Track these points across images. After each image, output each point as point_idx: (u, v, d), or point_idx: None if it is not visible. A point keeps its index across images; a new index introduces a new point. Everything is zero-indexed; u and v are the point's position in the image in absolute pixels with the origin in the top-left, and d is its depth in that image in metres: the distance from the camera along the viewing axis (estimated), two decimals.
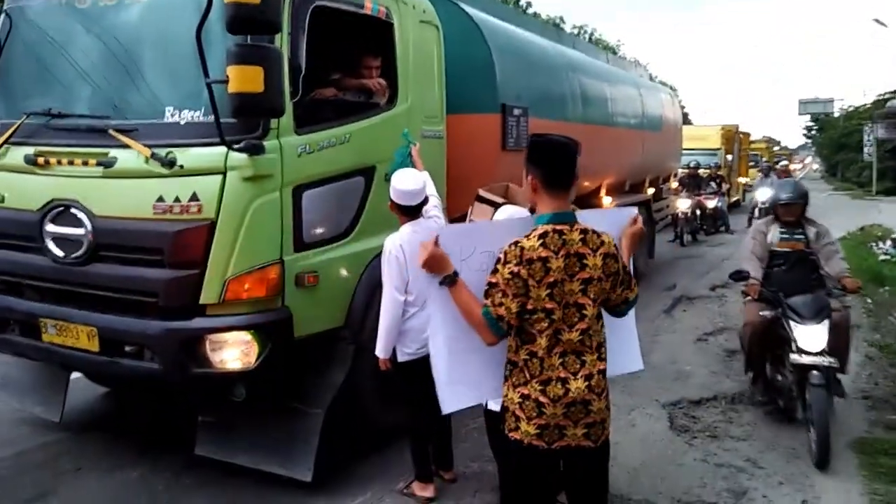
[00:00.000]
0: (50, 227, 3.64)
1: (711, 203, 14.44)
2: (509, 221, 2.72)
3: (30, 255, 3.77)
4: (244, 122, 3.28)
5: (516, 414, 2.27)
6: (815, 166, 56.91)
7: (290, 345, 3.51)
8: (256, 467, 3.68)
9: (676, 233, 13.67)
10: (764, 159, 24.01)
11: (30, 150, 3.74)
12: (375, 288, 3.93)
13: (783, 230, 4.79)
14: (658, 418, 4.78)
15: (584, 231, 2.26)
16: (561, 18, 30.71)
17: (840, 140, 38.40)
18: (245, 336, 3.38)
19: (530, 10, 28.66)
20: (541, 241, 2.22)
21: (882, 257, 12.38)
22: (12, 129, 3.81)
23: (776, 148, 56.27)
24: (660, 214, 10.92)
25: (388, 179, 3.69)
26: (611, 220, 2.58)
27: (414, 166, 3.94)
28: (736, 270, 4.56)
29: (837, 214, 17.85)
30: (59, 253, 3.62)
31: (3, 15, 4.15)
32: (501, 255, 2.24)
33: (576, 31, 34.16)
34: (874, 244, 13.62)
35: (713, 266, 11.22)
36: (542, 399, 2.23)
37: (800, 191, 4.90)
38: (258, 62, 3.03)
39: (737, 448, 4.32)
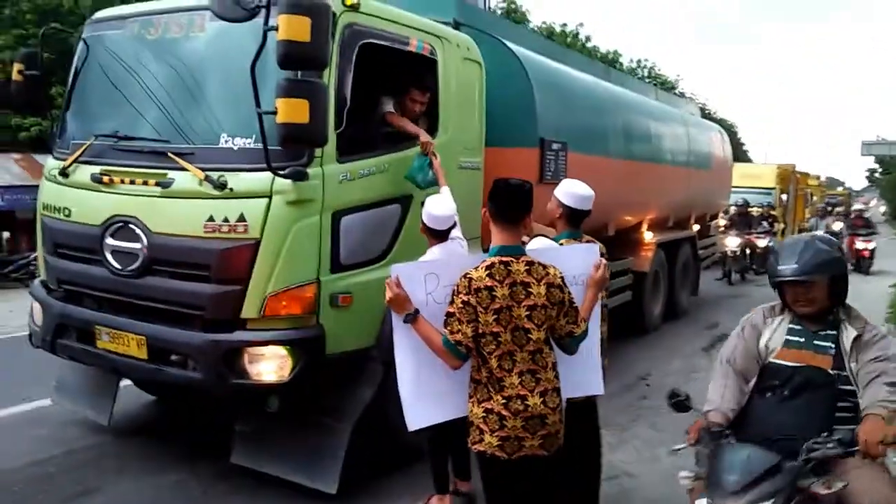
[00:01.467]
0: (109, 241, 3.93)
1: (762, 242, 14.16)
2: (464, 258, 2.89)
3: (90, 266, 4.07)
4: (290, 151, 3.51)
5: (480, 427, 2.54)
6: (882, 208, 54.95)
7: (322, 361, 3.69)
8: (286, 478, 3.85)
9: (724, 271, 13.45)
10: (815, 198, 23.37)
11: (96, 169, 4.06)
12: None
13: (794, 327, 2.71)
14: (686, 455, 4.74)
15: (530, 263, 2.55)
16: (616, 52, 30.81)
17: None
18: (281, 350, 3.58)
19: (589, 44, 28.89)
20: (487, 271, 2.51)
21: None
22: (82, 149, 4.15)
23: (839, 188, 54.60)
24: (706, 252, 10.81)
25: (407, 177, 4.04)
26: (580, 259, 2.88)
27: (436, 176, 4.16)
28: (672, 393, 2.82)
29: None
30: (117, 265, 3.91)
31: (81, 42, 4.53)
32: (455, 287, 2.56)
33: (634, 65, 34.16)
34: None
35: (759, 305, 10.99)
36: (504, 412, 2.49)
37: (821, 257, 2.58)
38: (305, 96, 3.26)
39: None
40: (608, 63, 28.11)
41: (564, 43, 27.17)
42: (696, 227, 9.92)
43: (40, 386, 5.18)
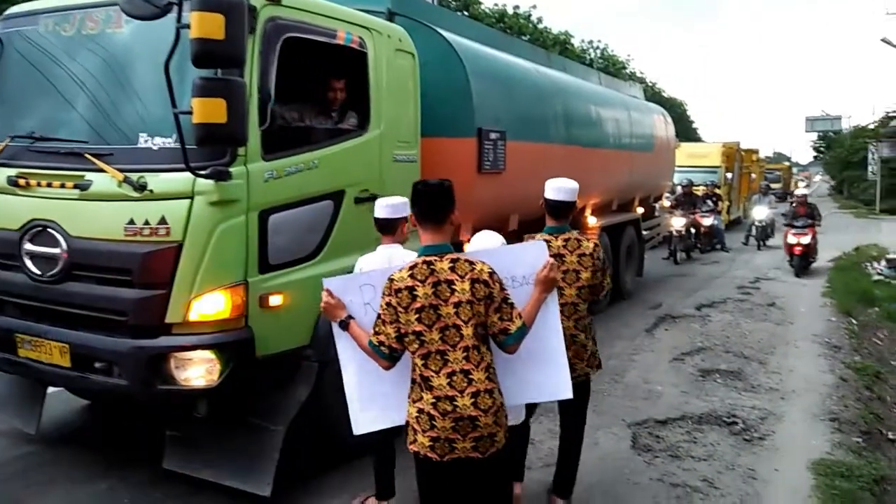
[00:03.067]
0: (28, 246, 3.80)
1: (707, 221, 14.50)
2: (387, 269, 2.82)
3: (9, 272, 3.93)
4: (211, 150, 3.42)
5: (414, 427, 2.58)
6: (826, 184, 56.71)
7: (252, 363, 3.64)
8: (219, 482, 3.80)
9: (671, 251, 13.73)
10: (754, 175, 23.99)
11: (12, 172, 3.91)
12: None
13: None
14: (622, 438, 4.87)
15: (455, 260, 2.57)
16: (567, 33, 30.92)
17: (846, 158, 38.33)
18: (209, 355, 3.52)
19: (541, 26, 28.92)
20: (410, 272, 2.55)
21: (875, 277, 12.41)
22: None
23: (780, 164, 56.08)
24: (651, 233, 11.00)
25: None
26: (529, 257, 2.85)
27: None
28: None
29: (839, 233, 17.89)
30: (36, 271, 3.77)
31: None
32: (381, 290, 2.61)
33: (585, 46, 34.34)
34: (868, 264, 13.66)
35: (703, 285, 11.30)
36: (433, 412, 2.52)
37: None
38: (222, 95, 3.19)
39: (696, 468, 4.40)
40: (560, 45, 28.23)
41: (516, 25, 27.13)
42: (640, 210, 10.07)
43: None
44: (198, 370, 3.53)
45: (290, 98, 4.27)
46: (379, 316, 2.59)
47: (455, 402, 2.49)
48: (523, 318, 2.63)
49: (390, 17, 5.19)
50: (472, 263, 2.57)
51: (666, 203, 13.71)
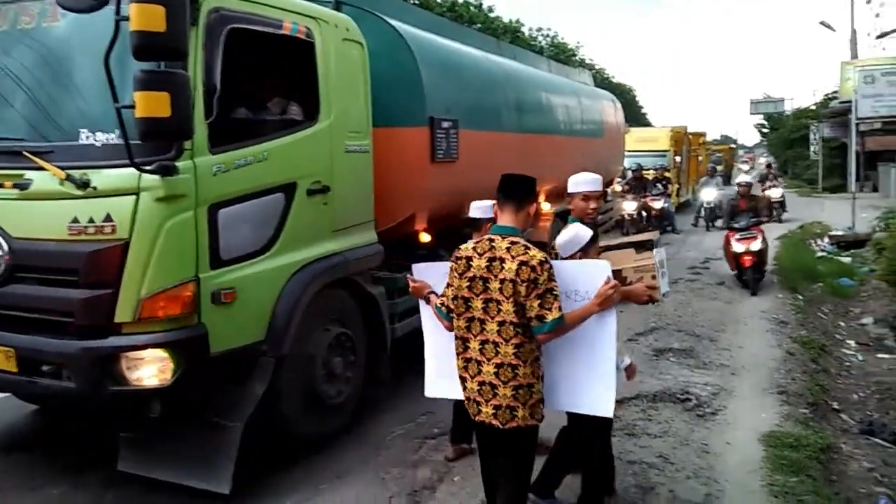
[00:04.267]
0: None
1: (657, 204, 14.79)
2: None
3: None
4: (155, 145, 3.35)
5: (461, 376, 2.89)
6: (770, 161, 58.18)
7: (206, 361, 3.59)
8: (177, 482, 3.76)
9: (622, 234, 13.98)
10: (701, 157, 24.60)
11: None
12: (297, 300, 4.06)
13: None
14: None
15: (514, 242, 2.76)
16: (518, 21, 31.01)
17: (790, 138, 39.43)
18: (161, 353, 3.46)
19: (492, 14, 28.94)
20: (474, 245, 2.84)
21: (819, 254, 12.86)
22: None
23: (733, 146, 57.36)
24: (604, 217, 11.19)
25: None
26: (590, 274, 2.92)
27: None
28: None
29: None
30: None
31: None
32: None
33: (535, 34, 34.49)
34: (812, 241, 14.14)
35: None
36: (464, 375, 2.85)
37: None
38: (165, 88, 3.12)
39: (651, 445, 4.51)
40: (510, 33, 28.30)
41: (467, 13, 27.09)
42: None
43: None
44: (150, 370, 3.46)
45: (237, 90, 4.20)
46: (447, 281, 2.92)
47: (481, 368, 2.76)
48: (566, 316, 2.72)
49: (337, 6, 5.15)
50: (527, 249, 2.74)
51: (617, 188, 13.95)
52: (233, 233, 3.75)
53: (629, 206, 13.91)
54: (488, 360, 2.74)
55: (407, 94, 5.38)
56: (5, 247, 3.57)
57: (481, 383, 2.76)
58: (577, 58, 36.33)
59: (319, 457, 4.23)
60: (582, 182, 3.57)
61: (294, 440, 4.22)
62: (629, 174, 14.71)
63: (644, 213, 14.67)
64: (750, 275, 9.25)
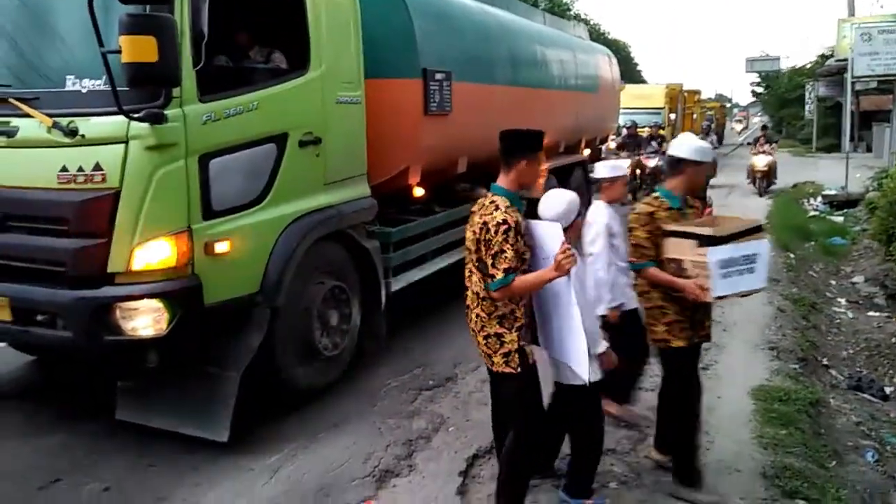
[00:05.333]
0: None
1: (651, 162, 14.67)
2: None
3: None
4: (143, 92, 3.29)
5: None
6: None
7: (201, 311, 3.59)
8: (174, 430, 3.79)
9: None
10: (695, 115, 24.45)
11: None
12: (291, 253, 4.04)
13: None
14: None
15: (492, 202, 2.85)
16: None
17: (785, 97, 39.16)
18: (155, 304, 3.45)
19: None
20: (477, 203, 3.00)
21: (812, 213, 12.92)
22: None
23: (727, 105, 56.95)
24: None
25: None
26: (549, 236, 2.88)
27: None
28: None
29: (778, 170, 18.42)
30: None
31: None
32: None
33: None
34: (806, 200, 14.18)
35: None
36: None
37: None
38: (151, 32, 3.05)
39: (642, 399, 4.56)
40: None
41: None
42: (587, 152, 10.15)
43: None
44: (145, 320, 3.46)
45: (226, 37, 4.11)
46: None
47: (470, 315, 2.96)
48: (518, 279, 2.75)
49: None
50: (496, 209, 2.79)
51: (612, 145, 13.85)
52: (224, 183, 3.71)
53: (623, 164, 13.82)
54: (471, 308, 2.93)
55: (399, 45, 5.27)
56: None
57: (471, 328, 2.97)
58: (571, 12, 35.75)
59: (316, 407, 4.26)
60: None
61: (290, 391, 4.25)
62: (623, 131, 14.59)
63: (637, 172, 14.60)
64: None
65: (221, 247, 3.66)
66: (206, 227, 3.60)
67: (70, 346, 3.57)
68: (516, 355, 2.86)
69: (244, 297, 3.86)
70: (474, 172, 6.35)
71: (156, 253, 3.43)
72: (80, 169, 3.37)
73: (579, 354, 2.92)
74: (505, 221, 2.74)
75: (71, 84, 3.45)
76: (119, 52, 3.04)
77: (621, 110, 12.23)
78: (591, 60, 10.05)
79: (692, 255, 3.12)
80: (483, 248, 2.79)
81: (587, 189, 10.29)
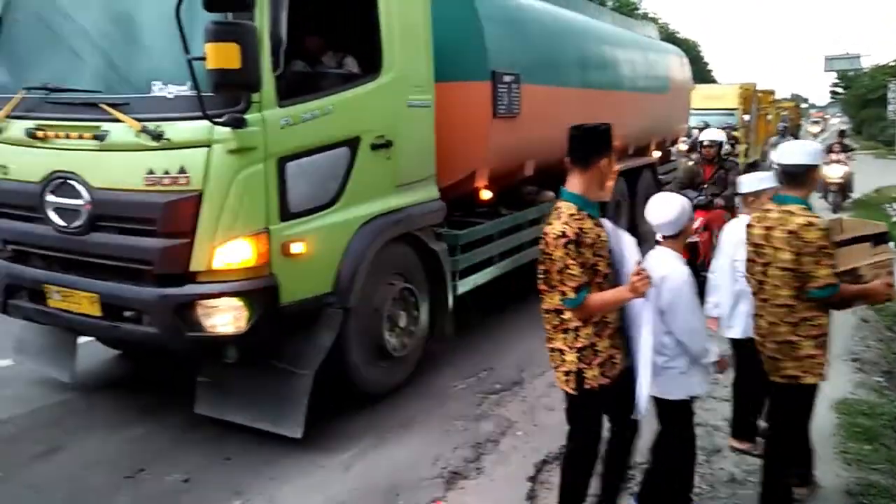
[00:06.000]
0: (51, 198, 3.83)
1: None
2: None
3: (34, 224, 3.97)
4: (226, 97, 3.40)
5: None
6: (845, 125, 55.34)
7: (277, 310, 3.69)
8: (250, 425, 3.91)
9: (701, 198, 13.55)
10: (770, 116, 23.51)
11: (30, 124, 3.90)
12: (363, 254, 4.11)
13: None
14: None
15: (556, 209, 2.67)
16: None
17: (865, 96, 37.46)
18: (235, 302, 3.57)
19: None
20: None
21: (895, 219, 12.26)
22: (12, 103, 3.97)
23: (804, 106, 54.74)
24: (668, 177, 10.88)
25: None
26: (630, 248, 2.77)
27: None
28: None
29: (858, 174, 17.56)
30: (61, 223, 3.81)
31: None
32: None
33: None
34: (888, 206, 13.47)
35: None
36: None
37: None
38: (234, 39, 3.15)
39: (716, 408, 4.43)
40: None
41: None
42: (656, 154, 9.94)
43: (0, 347, 5.12)
44: (225, 317, 3.58)
45: (302, 43, 4.21)
46: None
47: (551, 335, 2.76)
48: (592, 297, 2.57)
49: None
50: (557, 218, 2.60)
51: (682, 147, 13.50)
52: (300, 186, 3.80)
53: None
54: (554, 327, 2.72)
55: (469, 48, 5.29)
56: (87, 196, 3.71)
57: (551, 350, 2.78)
58: (638, 11, 35.15)
59: (385, 407, 4.33)
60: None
61: (360, 390, 4.32)
62: (695, 132, 14.19)
63: None
64: None
65: (297, 247, 3.75)
66: (283, 228, 3.70)
67: (155, 341, 3.73)
68: (574, 377, 2.71)
69: (318, 296, 3.95)
70: (541, 176, 6.32)
71: (236, 253, 3.55)
72: (166, 172, 3.51)
73: (641, 385, 2.72)
74: (564, 234, 2.54)
75: (157, 90, 3.59)
76: (204, 58, 3.16)
77: (692, 111, 11.91)
78: (662, 60, 9.85)
79: (869, 258, 2.95)
80: (548, 262, 2.62)
81: (656, 192, 10.07)
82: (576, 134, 2.67)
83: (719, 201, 6.98)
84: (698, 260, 6.50)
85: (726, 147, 14.59)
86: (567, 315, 2.65)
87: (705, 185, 7.18)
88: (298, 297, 3.81)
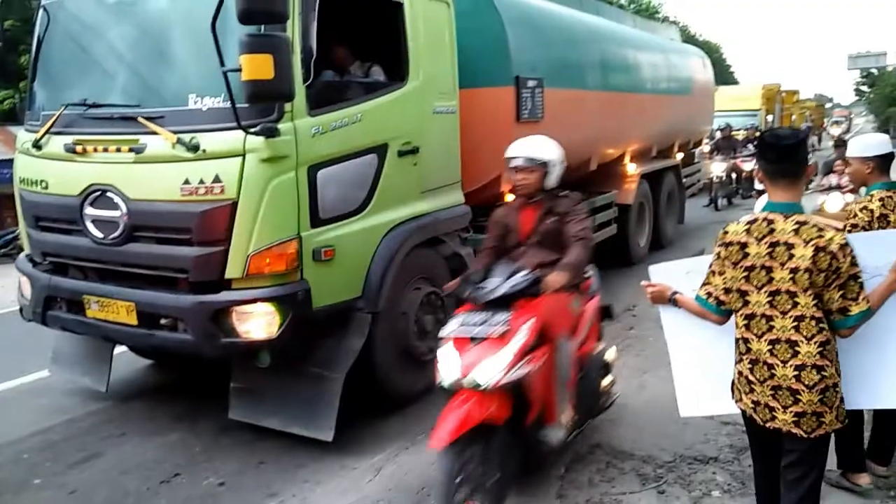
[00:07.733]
0: (89, 211, 3.94)
1: (748, 166, 14.11)
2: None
3: (72, 236, 4.09)
4: (259, 107, 3.49)
5: (737, 387, 2.51)
6: (869, 124, 54.47)
7: (309, 315, 3.76)
8: (283, 429, 3.98)
9: (711, 197, 13.51)
10: (794, 116, 23.27)
11: (69, 139, 4.03)
12: (391, 259, 4.18)
13: None
14: (668, 380, 4.86)
15: (801, 223, 2.33)
16: None
17: (892, 94, 36.86)
18: (268, 307, 3.64)
19: None
20: (746, 227, 2.41)
21: None
22: (52, 119, 4.10)
23: (828, 105, 54.01)
24: (691, 179, 10.84)
25: None
26: (884, 245, 2.59)
27: None
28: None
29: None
30: (99, 234, 3.92)
31: (40, 10, 4.42)
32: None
33: None
34: None
35: None
36: (751, 377, 2.43)
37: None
38: (268, 50, 3.23)
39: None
40: None
41: None
42: (679, 156, 9.91)
43: (38, 358, 5.26)
44: (258, 323, 3.65)
45: (331, 53, 4.30)
46: (710, 266, 2.54)
47: (774, 371, 2.36)
48: (870, 302, 2.37)
49: None
50: (821, 231, 2.32)
51: (705, 149, 13.44)
52: (330, 193, 3.88)
53: (717, 168, 13.36)
54: (784, 362, 2.34)
55: (493, 54, 5.35)
56: (124, 208, 3.81)
57: (776, 388, 2.36)
58: (659, 14, 35.03)
59: (414, 409, 4.36)
60: (868, 146, 3.25)
61: (389, 393, 4.37)
62: (717, 134, 14.12)
63: (734, 176, 14.10)
64: None
65: (328, 253, 3.82)
66: (313, 235, 3.77)
67: (190, 347, 3.81)
68: (842, 405, 2.39)
69: (347, 301, 4.01)
70: (564, 178, 6.32)
71: (269, 259, 3.62)
72: (201, 181, 3.60)
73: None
74: (847, 242, 2.32)
75: (192, 102, 3.69)
76: (239, 70, 3.24)
77: (715, 113, 11.87)
78: (684, 62, 9.84)
79: None
80: (824, 280, 2.30)
81: (679, 194, 10.04)
82: (782, 141, 2.41)
83: None
84: None
85: (750, 148, 14.50)
86: (833, 339, 2.38)
87: None
88: (328, 302, 3.87)
